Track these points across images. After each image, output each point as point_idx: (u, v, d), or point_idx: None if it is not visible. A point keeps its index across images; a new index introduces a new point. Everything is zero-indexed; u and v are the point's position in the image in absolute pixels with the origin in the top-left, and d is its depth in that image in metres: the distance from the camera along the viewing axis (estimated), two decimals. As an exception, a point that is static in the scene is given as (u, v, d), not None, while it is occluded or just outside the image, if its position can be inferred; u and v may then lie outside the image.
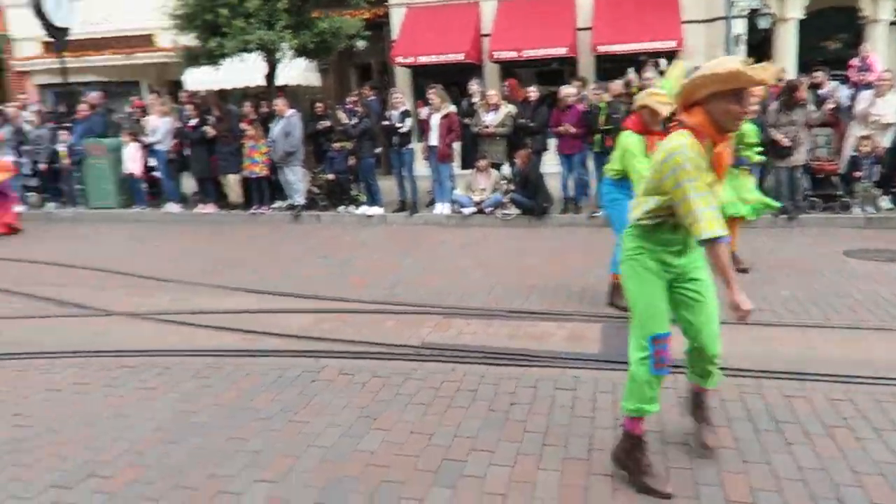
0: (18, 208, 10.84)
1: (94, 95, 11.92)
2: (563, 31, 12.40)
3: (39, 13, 11.09)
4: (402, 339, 4.76)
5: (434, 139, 9.20)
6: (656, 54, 10.37)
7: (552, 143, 9.46)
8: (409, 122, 9.40)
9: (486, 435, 3.37)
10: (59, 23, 11.42)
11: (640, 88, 8.62)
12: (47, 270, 7.31)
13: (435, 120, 9.18)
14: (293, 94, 13.07)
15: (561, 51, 12.05)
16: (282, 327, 5.09)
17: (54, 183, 11.50)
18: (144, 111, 11.37)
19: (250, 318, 5.34)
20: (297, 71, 13.35)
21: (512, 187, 9.19)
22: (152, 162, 10.82)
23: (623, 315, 5.05)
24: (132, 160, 10.65)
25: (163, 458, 3.26)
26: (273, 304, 5.74)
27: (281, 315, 5.43)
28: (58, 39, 11.60)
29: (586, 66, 12.55)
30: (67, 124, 11.27)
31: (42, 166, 11.17)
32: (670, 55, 10.49)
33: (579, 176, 9.19)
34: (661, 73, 8.50)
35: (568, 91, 8.98)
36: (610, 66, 12.68)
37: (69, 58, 12.62)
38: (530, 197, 8.92)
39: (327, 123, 10.21)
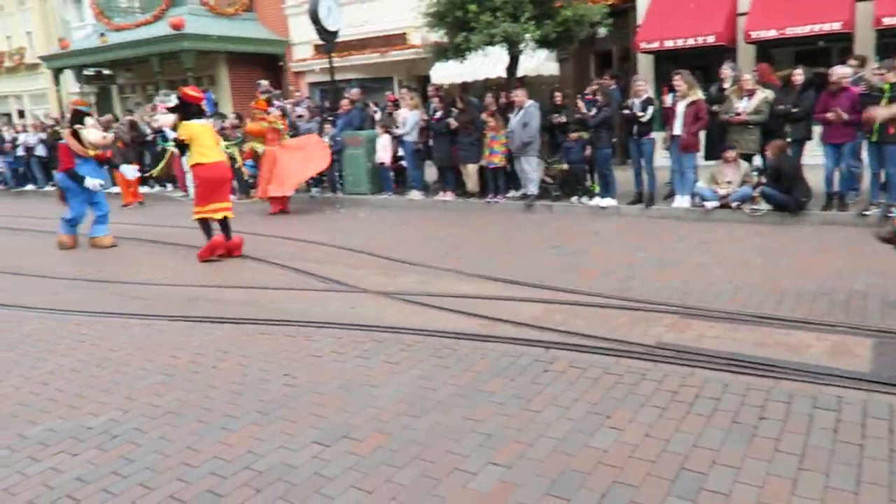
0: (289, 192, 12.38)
1: (353, 91, 13.14)
2: (836, 3, 10.95)
3: (315, 19, 12.49)
4: (636, 337, 4.59)
5: (678, 128, 8.70)
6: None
7: (816, 130, 8.44)
8: (651, 110, 9.00)
9: (731, 449, 3.11)
10: (330, 27, 12.77)
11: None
12: (311, 249, 8.25)
13: (681, 107, 8.67)
14: (531, 85, 13.22)
15: (835, 26, 10.65)
16: (515, 315, 5.19)
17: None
18: (396, 105, 12.29)
19: (485, 303, 5.53)
20: (536, 61, 13.49)
21: (763, 180, 8.37)
22: (400, 152, 11.68)
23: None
24: (384, 150, 11.59)
25: (405, 429, 3.50)
26: (507, 292, 5.88)
27: (513, 303, 5.54)
28: (328, 42, 12.96)
29: (864, 43, 10.97)
30: (331, 118, 12.61)
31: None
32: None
33: (849, 168, 8.09)
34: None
35: (843, 72, 7.93)
36: (893, 42, 10.99)
37: (335, 58, 14.05)
38: (784, 191, 8.05)
39: (563, 119, 10.15)
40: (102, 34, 19.31)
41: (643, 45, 12.35)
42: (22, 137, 17.23)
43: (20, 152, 17.28)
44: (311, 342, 4.87)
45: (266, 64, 19.63)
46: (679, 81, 8.69)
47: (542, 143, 10.49)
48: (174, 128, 8.83)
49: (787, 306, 5.09)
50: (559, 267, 6.72)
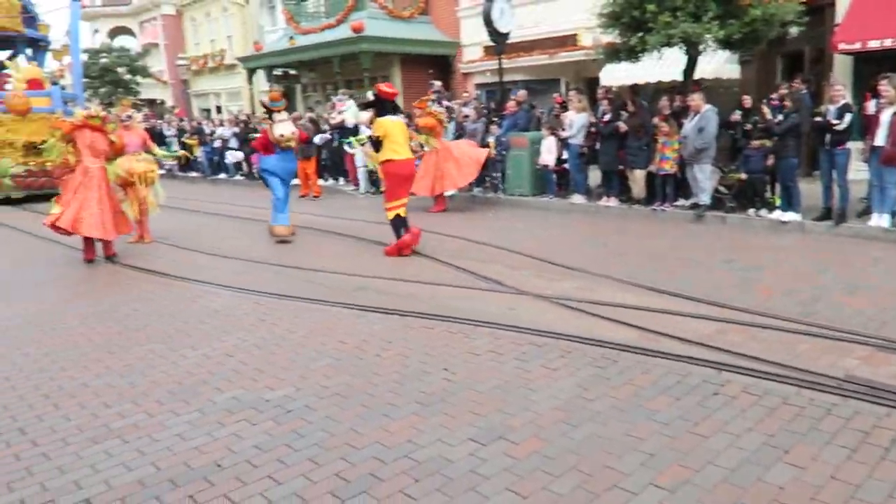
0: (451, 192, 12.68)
1: (520, 93, 13.17)
2: None
3: (488, 21, 12.68)
4: (821, 367, 4.17)
5: (881, 138, 7.81)
6: None
7: None
8: (848, 118, 8.15)
9: (937, 506, 2.74)
10: (501, 29, 12.90)
11: None
12: (472, 248, 8.37)
13: (886, 116, 7.76)
14: (708, 88, 12.51)
15: None
16: (681, 330, 4.93)
17: (482, 170, 13.09)
18: (563, 107, 12.15)
19: (649, 315, 5.30)
20: (715, 63, 12.77)
21: None
22: (564, 155, 11.52)
23: None
24: (548, 152, 11.50)
25: (562, 437, 3.44)
26: (672, 305, 5.60)
27: (680, 318, 5.26)
28: (498, 43, 13.10)
29: None
30: (496, 119, 12.72)
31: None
32: None
33: None
34: None
35: None
36: None
37: (504, 59, 14.16)
38: None
39: (746, 123, 9.49)
40: (291, 37, 20.92)
41: (842, 46, 11.22)
42: (219, 131, 19.12)
43: (216, 144, 19.17)
44: (470, 340, 4.93)
45: (437, 65, 20.24)
46: (886, 87, 7.79)
47: (718, 151, 9.88)
48: (370, 124, 8.91)
49: None
50: (732, 283, 6.29)
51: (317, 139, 10.65)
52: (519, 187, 12.27)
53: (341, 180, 15.96)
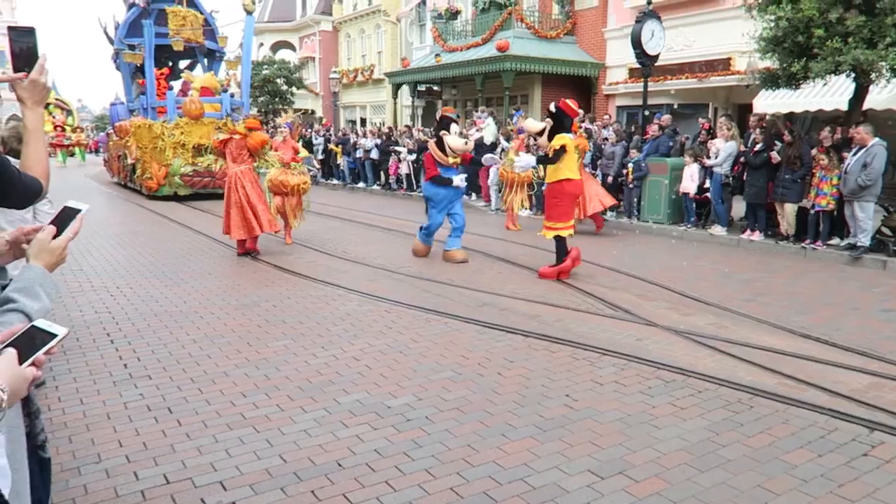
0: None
1: (665, 118, 12.75)
2: None
3: (637, 43, 12.40)
4: None
5: None
6: None
7: None
8: None
9: None
10: (651, 51, 12.57)
11: None
12: (601, 273, 8.17)
13: None
14: (877, 120, 11.50)
15: None
16: (828, 381, 4.53)
17: (618, 195, 12.79)
18: (709, 133, 11.62)
19: (792, 362, 4.92)
20: (888, 93, 11.71)
21: None
22: (707, 183, 11.00)
23: None
24: (690, 180, 11.03)
25: (687, 480, 3.26)
26: (818, 352, 5.16)
27: (828, 367, 4.84)
28: (646, 66, 12.78)
29: None
30: (638, 142, 12.38)
31: (609, 179, 12.54)
32: None
33: None
34: None
35: None
36: None
37: (650, 82, 13.78)
38: None
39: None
40: (437, 55, 21.56)
41: None
42: (362, 141, 20.03)
43: (358, 154, 20.09)
44: (594, 368, 4.81)
45: (579, 85, 20.07)
46: None
47: (884, 188, 9.04)
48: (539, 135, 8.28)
49: None
50: (891, 335, 5.71)
51: (485, 159, 9.95)
52: (655, 214, 11.85)
53: (473, 196, 16.17)
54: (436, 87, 24.37)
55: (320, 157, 21.00)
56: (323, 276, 7.82)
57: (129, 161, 17.90)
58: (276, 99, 32.89)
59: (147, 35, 17.07)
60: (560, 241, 7.80)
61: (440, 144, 8.65)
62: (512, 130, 13.48)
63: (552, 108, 7.92)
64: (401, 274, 8.02)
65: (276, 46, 37.75)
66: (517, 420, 3.94)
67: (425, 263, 8.69)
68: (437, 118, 8.97)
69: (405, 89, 24.54)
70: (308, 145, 20.36)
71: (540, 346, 5.25)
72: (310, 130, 22.81)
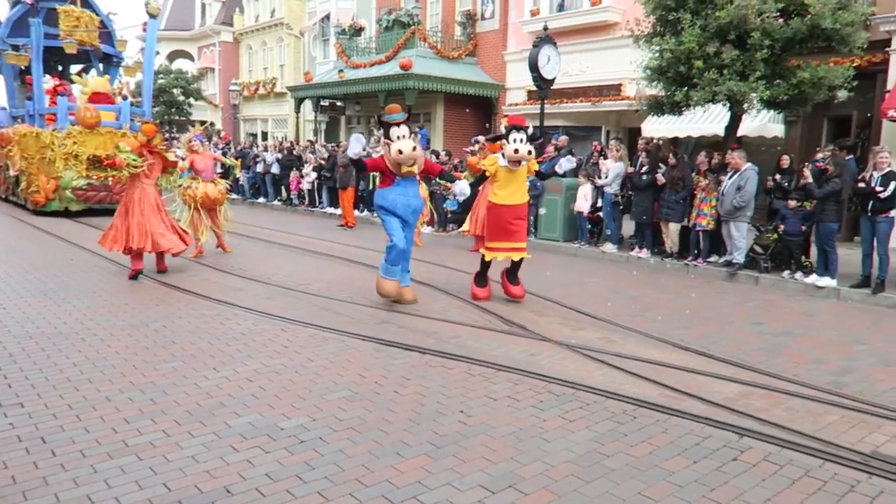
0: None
1: (562, 139, 13.25)
2: None
3: (534, 67, 12.85)
4: (848, 441, 4.05)
5: (924, 209, 7.66)
6: None
7: None
8: (893, 186, 8.01)
9: None
10: (547, 75, 13.05)
11: None
12: (498, 289, 8.32)
13: (930, 187, 7.63)
14: (750, 146, 12.44)
15: None
16: (704, 391, 4.83)
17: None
18: (602, 154, 12.19)
19: (672, 373, 5.22)
20: (759, 122, 12.70)
21: None
22: (599, 203, 11.51)
23: None
24: (584, 199, 11.51)
25: (574, 491, 3.38)
26: (697, 364, 5.50)
27: (704, 378, 5.16)
28: (542, 89, 13.25)
29: None
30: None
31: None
32: None
33: None
34: None
35: None
36: None
37: (547, 105, 14.29)
38: None
39: (779, 177, 9.42)
40: (341, 70, 21.47)
41: (891, 113, 11.09)
42: (263, 155, 19.59)
43: (259, 168, 19.62)
44: (489, 383, 4.91)
45: (480, 105, 20.55)
46: (932, 157, 7.66)
47: (756, 209, 9.78)
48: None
49: None
50: (761, 346, 6.16)
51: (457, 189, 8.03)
52: (551, 232, 12.27)
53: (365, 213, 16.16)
54: (339, 103, 24.24)
55: (219, 170, 20.33)
56: (217, 295, 7.57)
57: (12, 173, 16.55)
58: (173, 110, 31.66)
59: (35, 35, 15.90)
60: (483, 262, 7.69)
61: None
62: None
63: (503, 128, 7.57)
64: (299, 292, 7.89)
65: (173, 55, 36.39)
66: (412, 438, 3.96)
67: (324, 282, 8.58)
68: (378, 120, 7.44)
69: (308, 104, 24.26)
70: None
71: (437, 363, 5.31)
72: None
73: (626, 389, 4.83)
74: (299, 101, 23.99)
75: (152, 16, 17.09)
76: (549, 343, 6.02)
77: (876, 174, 8.16)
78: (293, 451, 3.76)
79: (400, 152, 6.81)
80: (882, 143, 10.53)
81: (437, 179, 10.15)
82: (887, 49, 11.90)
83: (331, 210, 16.91)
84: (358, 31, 22.98)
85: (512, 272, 7.69)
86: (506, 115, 8.12)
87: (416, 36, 20.09)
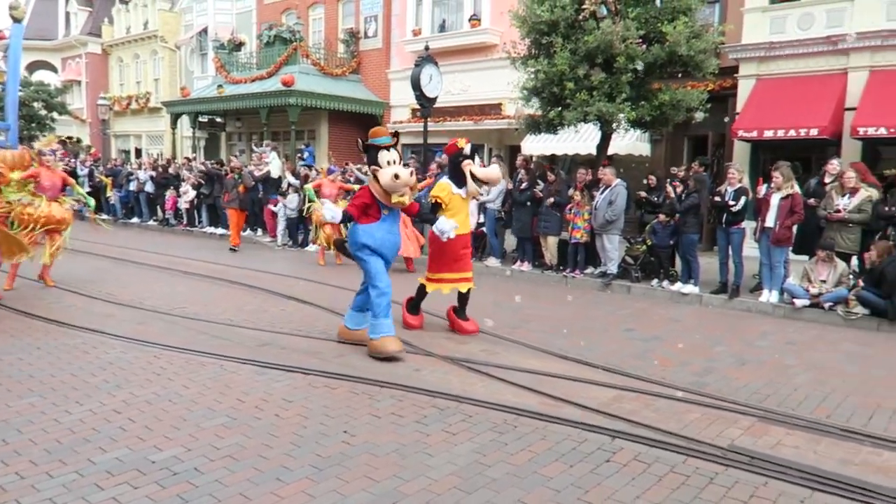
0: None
1: (444, 157, 13.45)
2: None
3: (416, 86, 13.03)
4: (708, 437, 4.36)
5: (771, 220, 8.42)
6: None
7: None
8: (743, 199, 8.77)
9: (801, 576, 2.87)
10: (429, 94, 13.27)
11: None
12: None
13: (775, 199, 8.41)
14: (621, 163, 13.20)
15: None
16: (581, 397, 5.04)
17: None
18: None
19: (551, 381, 5.41)
20: (628, 140, 13.50)
21: (860, 283, 7.92)
22: (482, 218, 11.79)
23: None
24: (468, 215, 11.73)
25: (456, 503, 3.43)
26: (574, 372, 5.74)
27: (580, 385, 5.39)
28: (425, 107, 13.45)
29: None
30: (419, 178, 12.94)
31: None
32: None
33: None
34: None
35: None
36: None
37: (430, 123, 14.52)
38: (884, 296, 7.58)
39: (646, 194, 10.07)
40: (220, 86, 20.80)
41: (741, 133, 12.16)
42: (137, 173, 18.56)
43: (132, 187, 18.58)
44: (373, 401, 4.88)
45: (365, 123, 20.51)
46: (776, 174, 8.46)
47: (627, 223, 10.38)
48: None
49: (878, 423, 4.73)
50: (633, 352, 6.52)
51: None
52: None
53: (259, 231, 15.73)
54: (219, 119, 23.46)
55: (87, 188, 19.05)
56: (82, 322, 7.07)
57: None
58: (34, 125, 29.37)
59: None
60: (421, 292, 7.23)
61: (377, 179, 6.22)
62: (319, 171, 13.37)
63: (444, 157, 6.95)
64: (174, 316, 7.52)
65: (32, 66, 33.78)
66: (293, 462, 3.87)
67: (201, 304, 8.23)
68: (360, 144, 6.34)
69: (185, 120, 23.30)
70: (73, 175, 18.37)
71: (320, 384, 5.22)
72: (75, 160, 20.64)
73: (508, 400, 4.96)
74: (176, 117, 22.99)
75: (17, 20, 15.77)
76: (433, 358, 6.07)
77: (729, 189, 8.89)
78: (165, 484, 3.56)
79: (397, 177, 5.95)
80: (734, 161, 11.50)
81: (415, 219, 9.25)
82: (735, 75, 13.05)
83: (211, 230, 16.28)
84: (238, 45, 22.40)
85: (461, 307, 7.15)
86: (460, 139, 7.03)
87: (298, 52, 19.84)
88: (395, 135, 6.28)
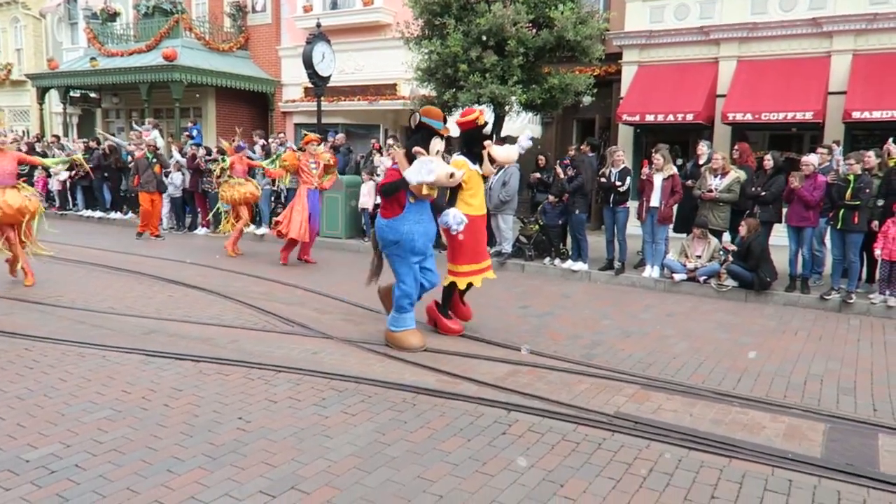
0: (263, 230, 12.44)
1: (339, 137, 13.29)
2: (810, 94, 11.44)
3: (308, 64, 12.69)
4: (596, 405, 4.58)
5: (655, 200, 8.89)
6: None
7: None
8: (629, 180, 9.21)
9: (680, 528, 3.10)
10: (322, 72, 12.97)
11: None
12: (281, 290, 8.18)
13: (658, 180, 8.88)
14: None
15: (807, 115, 11.08)
16: (478, 373, 5.16)
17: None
18: (381, 152, 12.43)
19: (449, 359, 5.50)
20: (520, 123, 13.80)
21: (731, 257, 8.55)
22: (379, 200, 11.74)
23: (854, 417, 4.43)
24: (367, 196, 11.64)
25: (356, 484, 3.43)
26: (472, 349, 5.85)
27: (478, 361, 5.51)
28: (318, 86, 13.15)
29: (834, 134, 11.42)
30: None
31: (287, 194, 12.65)
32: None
33: (812, 252, 8.31)
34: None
35: (809, 160, 8.22)
36: (862, 135, 11.48)
37: (324, 102, 14.23)
38: (751, 270, 8.22)
39: (538, 176, 10.39)
40: (93, 58, 19.36)
41: (625, 118, 12.72)
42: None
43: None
44: (269, 386, 4.78)
45: (254, 101, 19.84)
46: (657, 156, 8.93)
47: (520, 203, 10.64)
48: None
49: (745, 385, 5.14)
50: (527, 328, 6.73)
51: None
52: (333, 230, 12.25)
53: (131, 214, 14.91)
54: (93, 95, 21.87)
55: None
56: (-60, 315, 6.46)
57: None
58: None
59: None
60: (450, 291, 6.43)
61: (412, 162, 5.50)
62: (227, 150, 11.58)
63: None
64: (47, 304, 7.01)
65: None
66: (185, 452, 3.73)
67: (75, 292, 7.72)
68: (411, 123, 5.65)
69: (54, 94, 21.54)
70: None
71: (212, 371, 5.05)
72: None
73: (406, 379, 4.99)
74: (43, 91, 21.19)
75: None
76: (331, 340, 6.01)
77: (614, 170, 9.31)
78: (42, 483, 3.34)
79: (452, 176, 5.34)
80: (619, 143, 12.04)
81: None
82: (620, 61, 13.62)
83: (88, 213, 15.25)
84: (112, 15, 20.88)
85: (453, 300, 6.53)
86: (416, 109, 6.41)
87: (180, 25, 18.77)
88: (445, 120, 5.56)
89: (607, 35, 12.67)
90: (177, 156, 13.67)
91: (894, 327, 7.11)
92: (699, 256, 8.78)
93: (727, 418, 4.44)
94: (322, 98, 13.69)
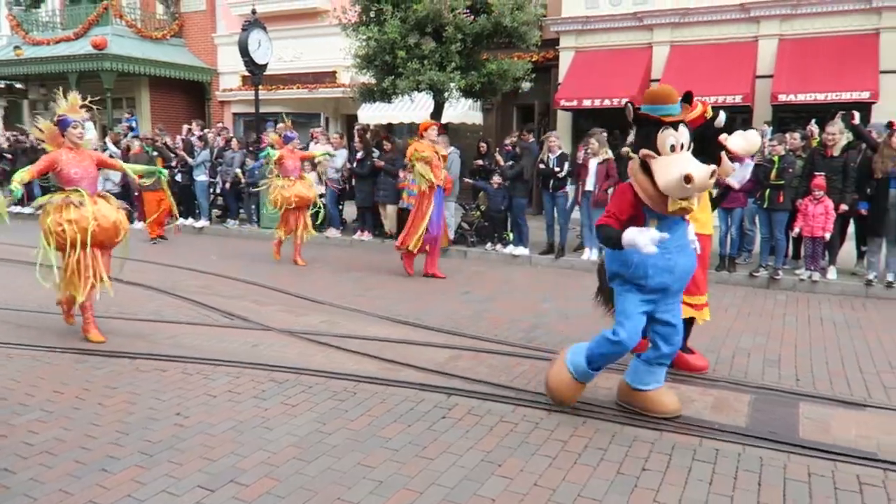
0: (202, 223, 12.20)
1: (279, 126, 13.04)
2: (740, 77, 11.83)
3: (244, 52, 12.43)
4: (534, 386, 4.69)
5: (591, 184, 9.09)
6: (846, 106, 9.57)
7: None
8: (567, 165, 9.37)
9: (613, 500, 3.22)
10: (259, 60, 12.73)
11: (823, 144, 8.02)
12: (220, 283, 8.05)
13: (593, 165, 9.07)
14: (455, 132, 13.54)
15: (737, 98, 11.47)
16: (419, 360, 5.21)
17: (238, 203, 12.72)
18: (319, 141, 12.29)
19: (390, 347, 5.53)
20: (460, 110, 13.86)
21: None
22: (322, 189, 11.62)
23: (777, 387, 4.66)
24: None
25: (296, 474, 3.44)
26: (413, 336, 5.90)
27: (418, 347, 5.56)
28: (255, 74, 12.90)
29: (763, 116, 11.86)
30: (253, 150, 12.45)
31: (227, 186, 12.41)
32: (861, 107, 9.64)
33: (742, 231, 8.65)
34: (854, 126, 7.84)
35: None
36: (789, 117, 11.94)
37: (263, 91, 13.97)
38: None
39: (480, 162, 10.47)
40: (17, 47, 18.51)
41: (562, 103, 12.91)
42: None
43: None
44: (207, 380, 4.73)
45: (191, 91, 19.34)
46: (592, 141, 9.12)
47: (461, 190, 10.71)
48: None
49: (678, 361, 5.33)
50: (468, 313, 6.81)
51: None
52: (274, 220, 12.04)
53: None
54: (19, 85, 20.94)
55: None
56: None
57: None
58: None
59: None
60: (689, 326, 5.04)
61: (647, 170, 3.86)
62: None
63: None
64: (-26, 306, 6.74)
65: None
66: (120, 450, 3.66)
67: (12, 290, 7.43)
68: (631, 111, 3.97)
69: (-25, 85, 20.55)
70: None
71: (149, 367, 4.95)
72: None
73: (348, 368, 5.01)
74: (-37, 82, 20.21)
75: None
76: (271, 332, 5.97)
77: (551, 156, 9.46)
78: (-33, 489, 3.24)
79: (688, 180, 3.58)
80: (558, 129, 12.23)
81: None
82: (557, 47, 13.80)
83: (16, 209, 14.60)
84: (36, 2, 20.00)
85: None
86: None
87: (109, 12, 18.10)
88: (688, 99, 4.04)
89: (544, 21, 12.80)
90: (112, 148, 13.22)
91: (818, 302, 7.47)
92: (636, 238, 9.01)
93: (658, 393, 4.60)
94: (260, 86, 13.45)
